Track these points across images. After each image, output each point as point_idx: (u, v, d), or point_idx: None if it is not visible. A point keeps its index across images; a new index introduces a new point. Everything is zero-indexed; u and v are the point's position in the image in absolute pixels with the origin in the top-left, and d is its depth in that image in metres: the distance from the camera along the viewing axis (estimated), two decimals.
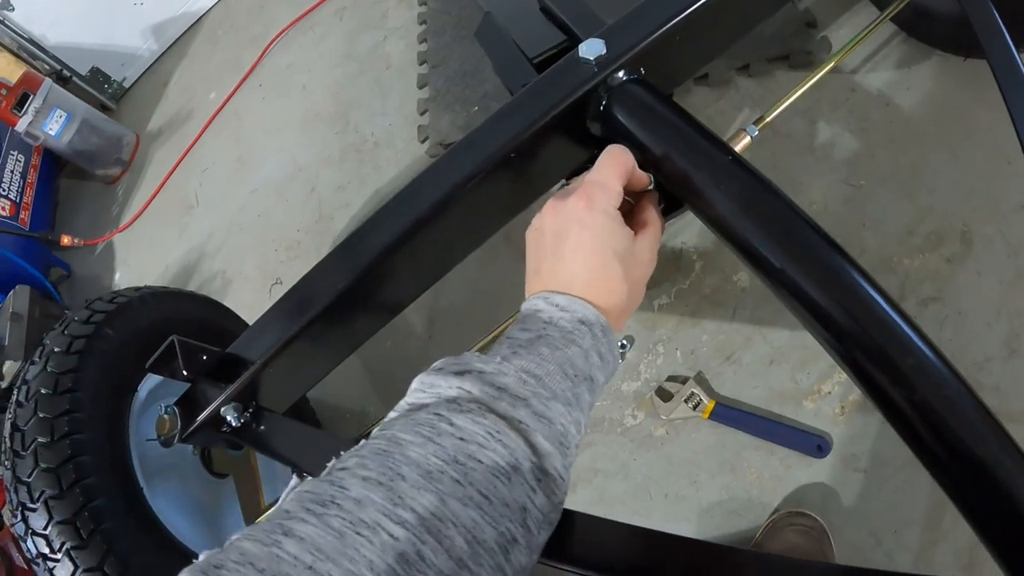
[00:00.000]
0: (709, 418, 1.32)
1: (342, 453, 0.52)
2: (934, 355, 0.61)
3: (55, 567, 0.98)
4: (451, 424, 0.51)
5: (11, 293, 2.27)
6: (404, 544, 0.43)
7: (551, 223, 0.65)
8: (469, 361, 0.56)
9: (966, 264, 1.27)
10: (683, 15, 0.84)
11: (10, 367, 2.10)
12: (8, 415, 1.08)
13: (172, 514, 1.14)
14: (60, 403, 1.06)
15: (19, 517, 1.01)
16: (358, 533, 0.43)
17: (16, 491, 1.01)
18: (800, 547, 1.14)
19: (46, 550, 0.98)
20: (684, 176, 0.75)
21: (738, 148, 0.88)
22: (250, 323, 1.06)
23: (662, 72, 0.87)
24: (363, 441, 0.52)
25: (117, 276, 2.59)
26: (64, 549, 0.98)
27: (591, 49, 0.83)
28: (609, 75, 0.82)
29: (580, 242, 0.62)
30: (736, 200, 0.72)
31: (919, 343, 0.61)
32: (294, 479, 0.50)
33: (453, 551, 0.45)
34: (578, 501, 1.40)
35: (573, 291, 0.61)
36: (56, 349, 1.12)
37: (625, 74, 0.83)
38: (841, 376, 1.27)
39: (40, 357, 1.12)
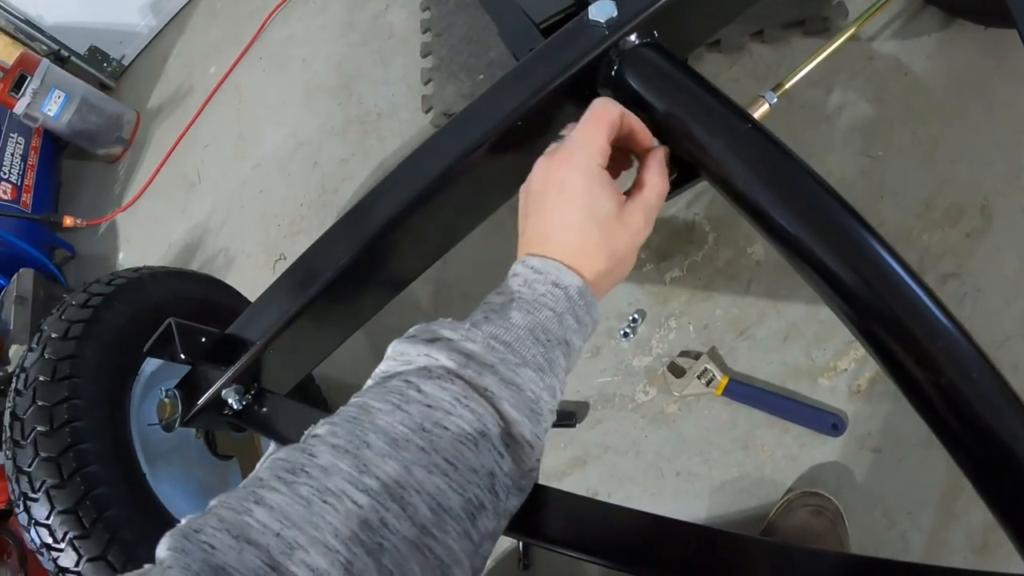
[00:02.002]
0: (722, 395, 1.29)
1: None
2: (963, 337, 0.59)
3: (59, 557, 0.97)
4: (419, 391, 0.52)
5: (15, 276, 2.26)
6: (367, 511, 0.45)
7: (536, 183, 0.64)
8: (439, 329, 0.56)
9: (986, 239, 1.24)
10: None
11: (16, 351, 2.11)
12: (8, 403, 1.06)
13: (176, 498, 1.13)
14: (59, 390, 1.04)
15: (22, 507, 0.99)
16: (324, 501, 0.45)
17: (18, 481, 1.00)
18: (813, 527, 1.12)
19: (49, 540, 0.97)
20: (701, 144, 0.73)
21: (756, 115, 0.85)
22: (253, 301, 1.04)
23: (676, 36, 0.83)
24: (340, 408, 0.54)
25: (121, 255, 2.58)
26: (67, 538, 0.96)
27: (601, 11, 0.79)
28: (620, 38, 0.79)
29: (558, 204, 0.61)
30: (756, 169, 0.69)
31: (948, 325, 0.60)
32: (272, 445, 0.50)
33: (416, 518, 0.46)
34: (589, 478, 1.38)
35: (551, 253, 0.60)
36: (54, 335, 1.09)
37: (637, 38, 0.80)
38: (857, 353, 1.24)
39: (38, 343, 1.10)
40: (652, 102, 0.76)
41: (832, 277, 0.64)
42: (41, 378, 1.05)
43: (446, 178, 0.80)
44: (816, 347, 1.28)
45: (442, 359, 0.53)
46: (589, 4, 0.99)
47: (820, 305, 1.27)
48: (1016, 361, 1.15)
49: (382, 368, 0.57)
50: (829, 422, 1.21)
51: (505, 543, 1.42)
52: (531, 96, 0.77)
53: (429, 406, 0.51)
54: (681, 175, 0.79)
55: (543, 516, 0.71)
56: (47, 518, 0.97)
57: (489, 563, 1.42)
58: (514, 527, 0.62)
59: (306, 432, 0.53)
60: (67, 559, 0.97)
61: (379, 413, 0.51)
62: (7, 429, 1.04)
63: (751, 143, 0.71)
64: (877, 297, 0.62)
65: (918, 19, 1.41)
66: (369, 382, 0.57)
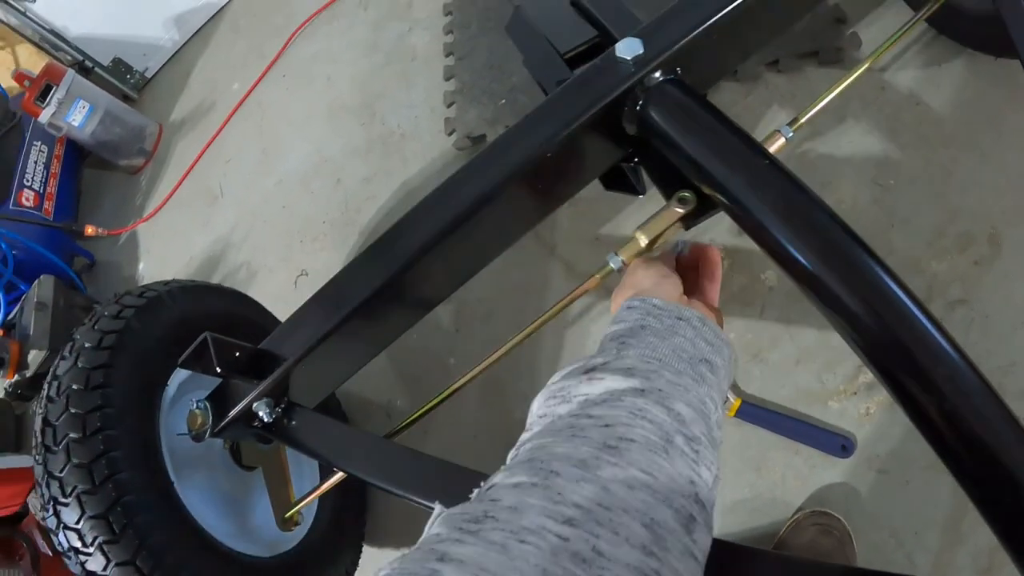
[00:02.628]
0: (735, 416, 1.31)
1: (374, 447, 0.52)
2: (965, 364, 0.61)
3: (87, 561, 0.98)
4: (590, 417, 0.49)
5: (36, 283, 2.29)
6: (576, 543, 0.39)
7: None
8: (586, 362, 0.56)
9: (994, 267, 1.25)
10: (721, 14, 0.84)
11: (35, 356, 2.13)
12: (39, 410, 1.08)
13: (201, 507, 1.14)
14: (92, 399, 1.06)
15: (51, 511, 1.01)
16: (522, 541, 0.39)
17: (48, 486, 1.01)
18: (822, 546, 1.14)
19: (78, 544, 0.99)
20: (720, 179, 0.75)
21: (773, 149, 0.88)
22: (278, 317, 1.07)
23: (698, 71, 0.87)
24: (504, 465, 0.49)
25: (141, 266, 2.60)
26: (97, 543, 0.98)
27: (628, 48, 0.82)
28: (646, 75, 0.82)
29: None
30: (772, 205, 0.72)
31: (951, 352, 0.62)
32: (437, 506, 0.46)
33: (633, 539, 0.40)
34: None
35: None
36: (87, 344, 1.11)
37: (662, 74, 0.83)
38: (867, 377, 1.26)
39: (71, 352, 1.12)
40: (674, 137, 0.79)
41: (842, 307, 0.67)
42: (75, 386, 1.07)
43: (477, 206, 0.83)
44: (827, 371, 1.30)
45: (606, 378, 0.52)
46: (613, 35, 1.03)
47: (831, 331, 1.29)
48: (1023, 387, 1.16)
49: (537, 413, 0.55)
50: (839, 444, 1.23)
51: None
52: (561, 129, 0.81)
53: (607, 425, 0.47)
54: (700, 206, 0.82)
55: None
56: (77, 522, 0.99)
57: None
58: None
59: (476, 490, 0.47)
60: (95, 563, 0.98)
61: (555, 444, 0.47)
62: (38, 435, 1.05)
63: (768, 180, 0.73)
64: (885, 326, 0.64)
65: (930, 49, 1.44)
66: (525, 435, 0.53)
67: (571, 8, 1.12)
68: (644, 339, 0.58)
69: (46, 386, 1.10)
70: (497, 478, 0.46)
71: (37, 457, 1.04)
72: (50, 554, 1.64)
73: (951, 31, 1.41)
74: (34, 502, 1.64)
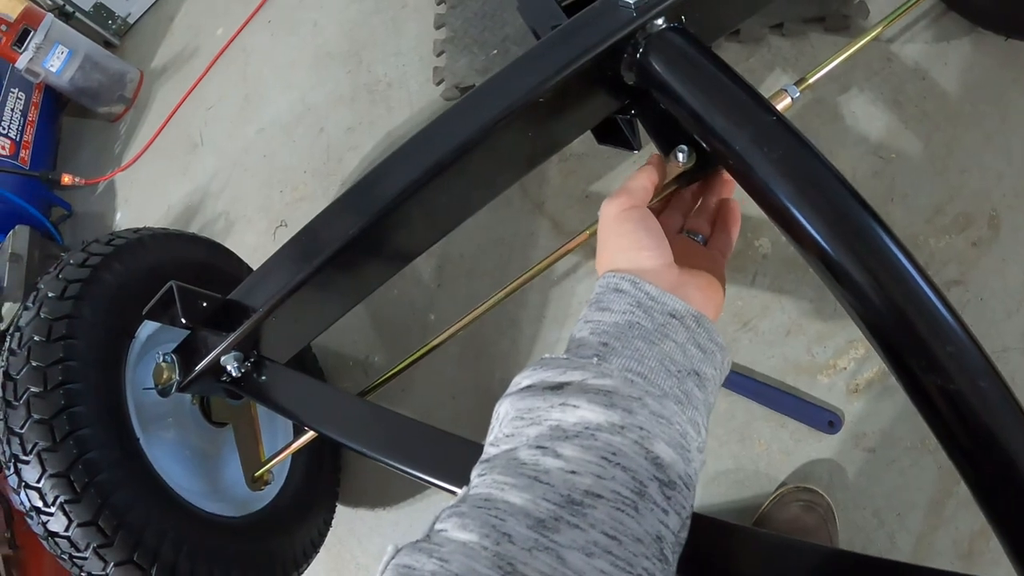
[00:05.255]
0: (722, 386, 1.29)
1: (346, 405, 0.47)
2: (973, 346, 0.59)
3: (48, 521, 0.95)
4: (557, 456, 0.44)
5: (11, 233, 2.25)
6: None
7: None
8: (562, 369, 0.50)
9: (992, 249, 1.24)
10: None
11: (9, 308, 2.09)
12: (1, 363, 1.04)
13: (169, 464, 1.11)
14: (53, 351, 1.02)
15: (12, 469, 0.97)
16: None
17: (9, 443, 0.98)
18: (805, 523, 1.13)
19: (39, 503, 0.95)
20: (722, 133, 0.72)
21: (778, 108, 0.83)
22: (254, 267, 1.03)
23: (702, 21, 0.82)
24: (464, 490, 0.47)
25: (119, 216, 2.55)
26: (58, 503, 0.95)
27: None
28: (648, 21, 0.77)
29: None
30: (777, 163, 0.69)
31: (960, 332, 0.59)
32: (390, 548, 0.42)
33: None
34: None
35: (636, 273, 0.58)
36: (50, 294, 1.07)
37: (664, 21, 0.78)
38: (858, 352, 1.25)
39: (34, 303, 1.07)
40: (676, 88, 0.75)
41: (847, 275, 0.64)
42: (36, 338, 1.02)
43: (461, 152, 0.78)
44: (817, 344, 1.28)
45: (582, 406, 0.46)
46: None
47: (824, 302, 1.29)
48: (1013, 372, 1.16)
49: (504, 431, 0.49)
50: (826, 419, 1.21)
51: None
52: (554, 74, 0.76)
53: (573, 472, 0.43)
54: (698, 163, 0.78)
55: None
56: (38, 481, 0.95)
57: None
58: None
59: (431, 523, 0.45)
60: (57, 523, 0.95)
61: (513, 490, 0.43)
62: (0, 389, 1.01)
63: (774, 137, 0.70)
64: (891, 299, 0.61)
65: (939, 24, 1.40)
66: (492, 449, 0.49)
67: None
68: (630, 343, 0.51)
69: (8, 338, 1.06)
70: (450, 522, 0.42)
71: None
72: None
73: (961, 7, 1.38)
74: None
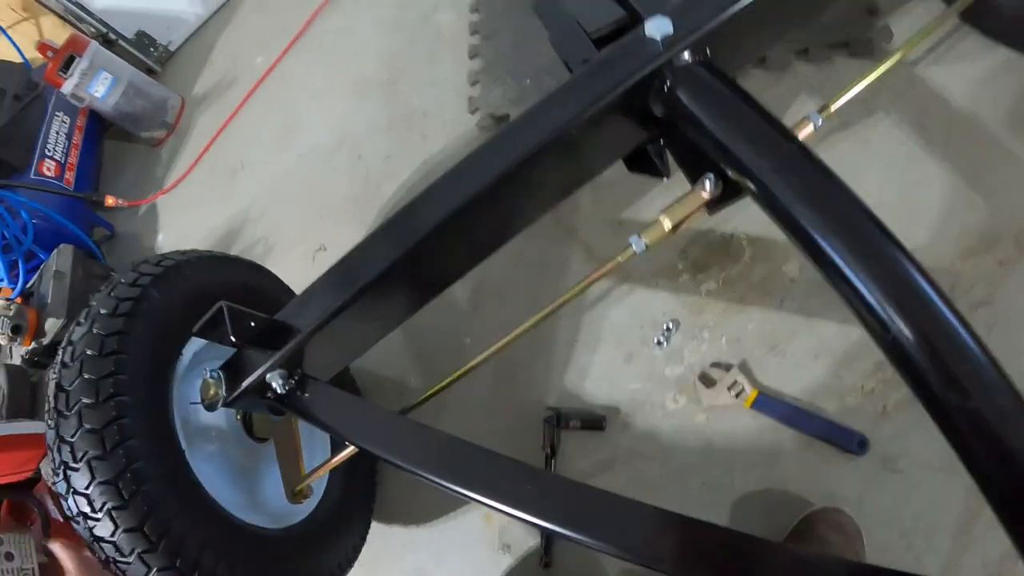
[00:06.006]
0: (751, 407, 1.31)
1: (386, 421, 0.48)
2: (991, 364, 0.62)
3: (95, 526, 0.99)
4: None
5: (55, 252, 2.29)
6: None
7: None
8: None
9: (1017, 269, 1.24)
10: None
11: (52, 324, 2.14)
12: (53, 375, 1.09)
13: (212, 477, 1.15)
14: (105, 364, 1.06)
15: (61, 475, 1.02)
16: None
17: (59, 450, 1.02)
18: (833, 544, 1.13)
19: (87, 509, 0.99)
20: (747, 163, 0.75)
21: (802, 136, 0.87)
22: (295, 289, 1.07)
23: (727, 54, 0.86)
24: None
25: (160, 238, 2.62)
26: (105, 508, 0.99)
27: (657, 27, 0.82)
28: (675, 55, 0.81)
29: None
30: (800, 191, 0.72)
31: (976, 350, 0.62)
32: None
33: None
34: (615, 482, 1.41)
35: None
36: (103, 311, 1.12)
37: (690, 55, 0.82)
38: (885, 375, 1.25)
39: (86, 319, 1.12)
40: (702, 119, 0.78)
41: (866, 299, 0.67)
42: (89, 352, 1.07)
43: (496, 185, 0.82)
44: (845, 367, 1.29)
45: None
46: (642, 16, 1.01)
47: (851, 325, 1.30)
48: None
49: None
50: (854, 440, 1.22)
51: (529, 541, 1.45)
52: (586, 108, 0.80)
53: None
54: (725, 191, 0.81)
55: (569, 506, 0.74)
56: (87, 488, 0.99)
57: (512, 561, 1.45)
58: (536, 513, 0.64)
59: None
60: (103, 528, 0.99)
61: None
62: (51, 399, 1.06)
63: (797, 164, 0.73)
64: (910, 321, 0.64)
65: (962, 44, 1.41)
66: None
67: None
68: None
69: (61, 351, 1.11)
70: None
71: (50, 422, 1.05)
72: (61, 520, 1.66)
73: (985, 26, 1.39)
74: (46, 468, 1.66)
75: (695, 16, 0.83)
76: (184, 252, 1.30)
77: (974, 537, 1.12)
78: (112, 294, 1.15)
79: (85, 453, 1.00)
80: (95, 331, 1.10)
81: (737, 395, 1.32)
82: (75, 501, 1.00)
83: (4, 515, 1.65)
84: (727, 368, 1.36)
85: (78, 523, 1.01)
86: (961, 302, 1.22)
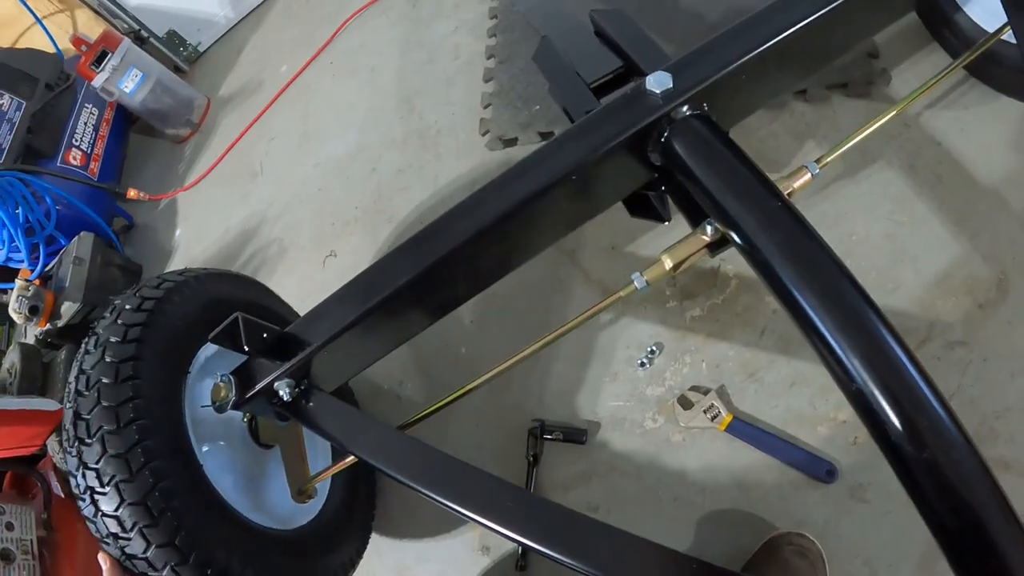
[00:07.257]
0: (725, 431, 1.35)
1: (384, 436, 0.51)
2: (948, 417, 0.65)
3: (127, 545, 1.02)
4: None
5: (76, 238, 2.37)
6: None
7: None
8: None
9: (998, 312, 1.26)
10: (751, 55, 0.87)
11: (68, 308, 2.21)
12: (68, 404, 1.11)
13: (224, 483, 1.18)
14: (122, 391, 1.09)
15: (88, 500, 1.04)
16: None
17: (84, 476, 1.04)
18: (796, 568, 1.16)
19: (117, 529, 1.02)
20: (734, 215, 0.80)
21: (798, 184, 0.90)
22: (303, 293, 1.11)
23: (725, 108, 0.91)
24: None
25: (178, 232, 2.68)
26: (136, 528, 1.02)
27: (658, 82, 0.87)
28: (673, 109, 0.86)
29: None
30: (781, 247, 0.76)
31: (935, 403, 0.65)
32: None
33: None
34: (592, 494, 1.44)
35: None
36: (112, 339, 1.14)
37: (689, 109, 0.87)
38: None
39: (96, 347, 1.14)
40: (694, 171, 0.84)
41: (835, 351, 0.72)
42: (104, 380, 1.09)
43: (503, 220, 0.88)
44: (820, 397, 1.33)
45: None
46: (639, 66, 1.07)
47: None
48: (1014, 433, 1.17)
49: None
50: (824, 468, 1.25)
51: (507, 545, 1.48)
52: (588, 154, 0.86)
53: None
54: (724, 236, 0.85)
55: (546, 526, 0.80)
56: (116, 510, 1.02)
57: (488, 563, 1.49)
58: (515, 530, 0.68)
59: None
60: (136, 546, 1.02)
61: None
62: (70, 428, 1.09)
63: (781, 222, 0.77)
64: (874, 373, 0.68)
65: (958, 92, 1.44)
66: None
67: (596, 38, 1.16)
68: None
69: (73, 380, 1.13)
70: None
71: (71, 449, 1.07)
72: (62, 495, 1.68)
73: (985, 76, 1.41)
74: (52, 444, 1.68)
75: (694, 72, 0.87)
76: (181, 272, 1.32)
77: (937, 571, 1.14)
78: (119, 320, 1.17)
79: (112, 477, 1.03)
80: (108, 359, 1.12)
81: (713, 418, 1.36)
82: (104, 523, 1.03)
83: (8, 487, 1.70)
84: (705, 392, 1.40)
85: (107, 544, 1.04)
86: (937, 341, 1.27)
